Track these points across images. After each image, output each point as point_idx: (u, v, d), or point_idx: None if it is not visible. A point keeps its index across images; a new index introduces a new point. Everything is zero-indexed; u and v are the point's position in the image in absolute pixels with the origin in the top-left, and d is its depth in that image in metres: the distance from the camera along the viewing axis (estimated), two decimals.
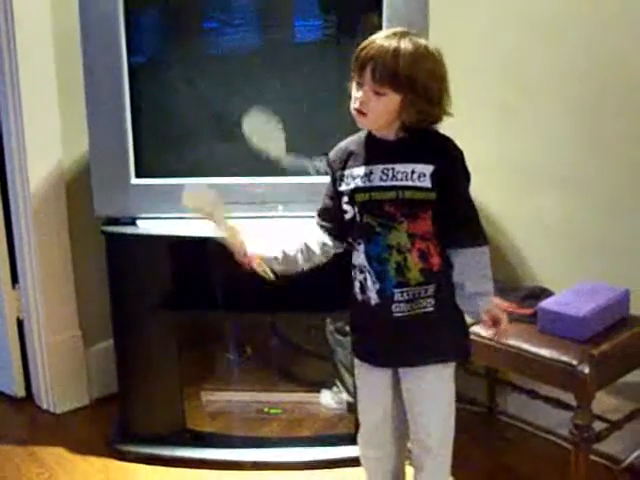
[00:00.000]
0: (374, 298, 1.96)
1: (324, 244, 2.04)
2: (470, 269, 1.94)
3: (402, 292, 1.94)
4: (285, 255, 2.02)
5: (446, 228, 1.92)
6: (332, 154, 2.03)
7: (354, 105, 1.90)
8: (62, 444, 2.81)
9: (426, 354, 2.00)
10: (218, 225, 1.99)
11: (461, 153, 1.93)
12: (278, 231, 2.22)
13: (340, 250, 2.06)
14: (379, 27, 2.33)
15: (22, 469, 2.69)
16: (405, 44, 1.83)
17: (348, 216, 1.97)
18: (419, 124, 1.90)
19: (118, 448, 2.74)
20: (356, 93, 1.89)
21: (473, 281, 1.94)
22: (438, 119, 1.91)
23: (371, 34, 1.91)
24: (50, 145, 2.84)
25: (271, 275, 2.00)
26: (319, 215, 2.07)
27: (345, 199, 1.97)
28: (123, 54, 2.44)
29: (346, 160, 1.99)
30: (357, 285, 2.00)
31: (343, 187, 1.98)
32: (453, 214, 1.92)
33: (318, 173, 2.41)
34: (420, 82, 1.84)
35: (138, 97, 2.49)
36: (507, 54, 2.71)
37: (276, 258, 2.02)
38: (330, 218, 2.03)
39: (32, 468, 2.69)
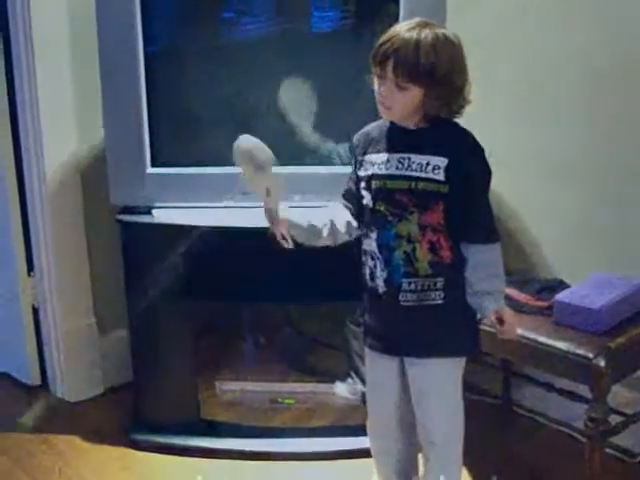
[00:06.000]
0: (381, 286, 1.97)
1: (349, 223, 2.04)
2: (479, 266, 1.93)
3: (410, 282, 1.94)
4: (310, 225, 2.00)
5: (458, 222, 1.91)
6: (355, 138, 2.04)
7: (378, 98, 1.89)
8: (76, 432, 2.82)
9: (431, 347, 1.99)
10: (264, 178, 1.94)
11: (480, 148, 1.91)
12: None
13: (361, 233, 2.04)
14: (396, 16, 2.32)
15: (37, 457, 2.70)
16: (425, 36, 1.82)
17: (364, 201, 1.98)
18: (442, 114, 1.89)
19: (132, 437, 2.74)
20: (378, 87, 1.88)
21: (482, 278, 1.94)
22: (461, 108, 1.90)
23: (389, 24, 1.89)
24: (66, 134, 2.85)
25: (290, 243, 1.98)
26: (343, 196, 2.07)
27: (363, 184, 1.98)
28: (139, 43, 2.44)
29: (367, 146, 1.99)
30: (367, 272, 2.00)
31: (362, 172, 1.99)
32: (465, 208, 1.90)
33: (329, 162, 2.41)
34: (442, 74, 1.83)
35: (154, 86, 2.48)
36: (522, 43, 2.70)
37: (301, 226, 1.99)
38: (352, 201, 2.04)
39: (46, 456, 2.70)
